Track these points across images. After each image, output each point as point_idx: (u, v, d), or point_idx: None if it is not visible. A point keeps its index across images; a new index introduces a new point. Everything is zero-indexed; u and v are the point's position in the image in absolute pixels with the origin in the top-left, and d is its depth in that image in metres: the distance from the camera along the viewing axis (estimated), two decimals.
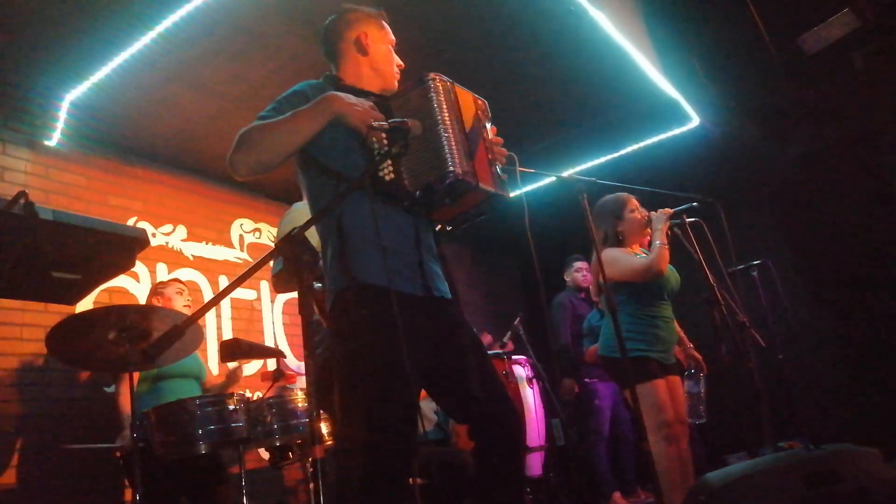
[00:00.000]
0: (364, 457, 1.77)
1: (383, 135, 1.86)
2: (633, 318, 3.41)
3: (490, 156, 1.98)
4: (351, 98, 1.90)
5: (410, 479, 1.83)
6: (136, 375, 3.44)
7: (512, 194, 2.09)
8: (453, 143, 1.83)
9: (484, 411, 1.94)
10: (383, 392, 1.80)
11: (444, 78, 1.94)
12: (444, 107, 1.87)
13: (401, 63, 2.26)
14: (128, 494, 3.69)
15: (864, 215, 5.39)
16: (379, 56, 2.18)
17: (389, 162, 1.88)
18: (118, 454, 3.30)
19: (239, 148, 1.87)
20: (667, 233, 3.36)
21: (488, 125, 2.05)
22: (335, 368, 1.89)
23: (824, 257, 5.65)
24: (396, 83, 2.21)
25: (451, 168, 1.81)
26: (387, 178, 1.89)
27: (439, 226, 2.13)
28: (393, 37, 2.27)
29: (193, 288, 4.64)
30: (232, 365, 3.94)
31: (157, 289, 3.88)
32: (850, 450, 2.07)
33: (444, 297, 2.03)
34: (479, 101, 2.06)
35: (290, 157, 1.92)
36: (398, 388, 1.77)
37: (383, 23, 2.26)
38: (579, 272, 5.63)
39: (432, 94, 1.88)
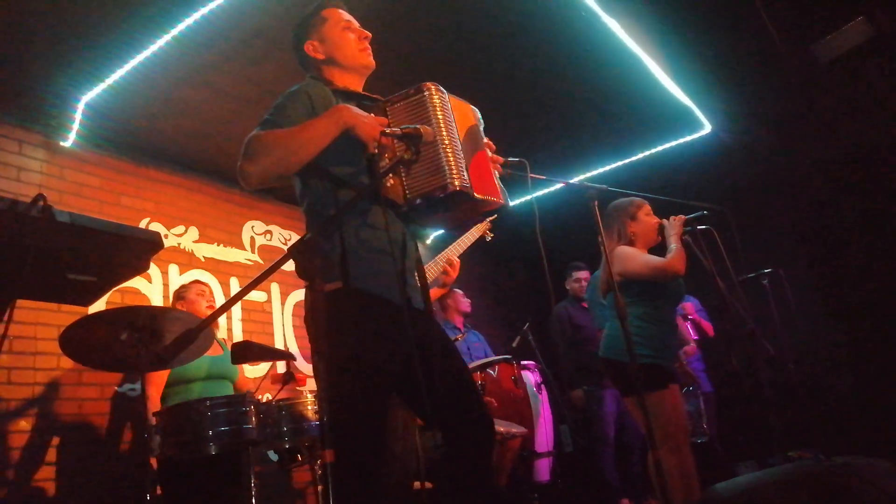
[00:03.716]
0: (337, 456, 1.82)
1: (396, 141, 1.88)
2: (641, 320, 3.34)
3: (491, 165, 2.02)
4: (360, 110, 1.92)
5: (379, 478, 1.85)
6: (163, 378, 3.48)
7: (522, 200, 2.11)
8: (450, 155, 1.87)
9: (454, 419, 1.96)
10: (356, 393, 1.84)
11: (440, 88, 1.95)
12: (441, 117, 1.90)
13: (366, 34, 2.19)
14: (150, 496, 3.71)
15: (877, 224, 5.36)
16: (334, 53, 2.15)
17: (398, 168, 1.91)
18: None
19: (250, 158, 1.84)
20: (681, 238, 3.35)
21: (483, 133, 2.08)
22: (316, 367, 1.92)
23: (836, 266, 5.63)
24: (368, 59, 2.18)
25: (449, 180, 1.84)
26: (388, 183, 1.92)
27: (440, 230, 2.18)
28: (346, 16, 2.20)
29: None
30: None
31: (179, 293, 3.91)
32: (860, 461, 2.06)
33: (418, 309, 2.06)
34: (476, 112, 2.09)
35: (301, 166, 1.90)
36: (372, 390, 1.83)
37: (327, 13, 2.20)
38: (578, 282, 5.60)
39: (428, 104, 1.90)
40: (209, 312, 3.70)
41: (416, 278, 2.09)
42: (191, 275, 4.59)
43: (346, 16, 2.22)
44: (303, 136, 1.85)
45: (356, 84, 2.18)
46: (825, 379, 5.47)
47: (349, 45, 2.16)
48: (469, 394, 2.02)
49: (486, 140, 2.07)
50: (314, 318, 1.92)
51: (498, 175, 2.06)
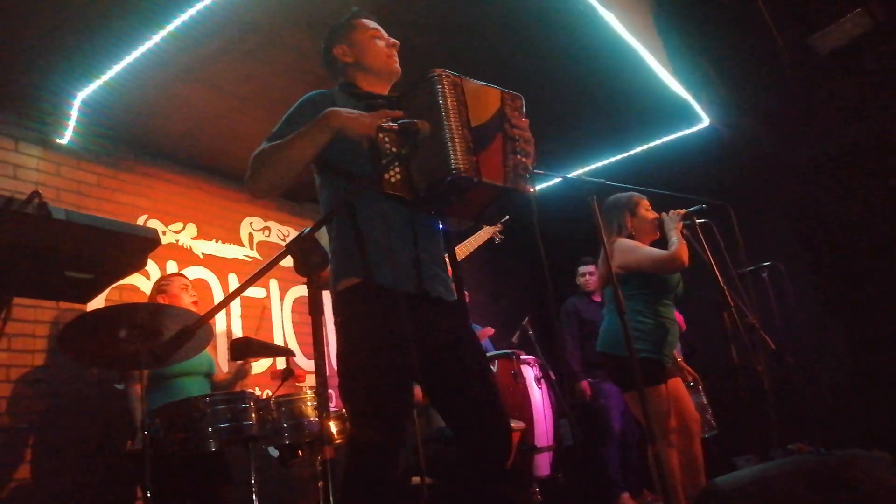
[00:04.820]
0: (350, 450, 1.85)
1: (393, 136, 1.87)
2: (640, 315, 3.34)
3: (508, 150, 1.96)
4: (352, 111, 1.93)
5: (392, 474, 1.86)
6: (145, 374, 3.46)
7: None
8: (456, 140, 1.84)
9: (471, 422, 1.95)
10: (368, 388, 1.86)
11: (451, 73, 1.93)
12: (449, 103, 1.87)
13: (394, 41, 2.27)
14: (138, 493, 3.71)
15: (876, 217, 5.35)
16: (363, 58, 2.21)
17: (396, 163, 1.90)
18: (128, 454, 3.31)
19: (252, 173, 1.98)
20: (681, 232, 3.34)
21: (517, 117, 2.02)
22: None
23: (835, 259, 5.62)
24: (395, 65, 2.24)
25: (454, 166, 1.81)
26: (393, 179, 1.91)
27: (466, 224, 2.16)
28: (373, 25, 2.28)
29: (203, 286, 4.66)
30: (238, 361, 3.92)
31: (160, 286, 3.79)
32: (859, 454, 2.06)
33: (442, 299, 2.04)
34: (507, 95, 2.03)
35: (299, 173, 1.98)
36: (383, 384, 1.85)
37: (357, 21, 2.27)
38: (583, 276, 5.68)
39: (437, 90, 1.88)
40: (193, 308, 3.66)
41: (440, 269, 2.09)
42: (188, 271, 4.57)
43: (375, 24, 2.29)
44: (293, 147, 1.93)
45: (381, 89, 2.23)
46: (825, 372, 5.47)
47: (378, 51, 2.22)
48: (489, 397, 1.99)
49: (516, 122, 1.99)
50: (339, 318, 1.96)
51: (523, 160, 1.98)
